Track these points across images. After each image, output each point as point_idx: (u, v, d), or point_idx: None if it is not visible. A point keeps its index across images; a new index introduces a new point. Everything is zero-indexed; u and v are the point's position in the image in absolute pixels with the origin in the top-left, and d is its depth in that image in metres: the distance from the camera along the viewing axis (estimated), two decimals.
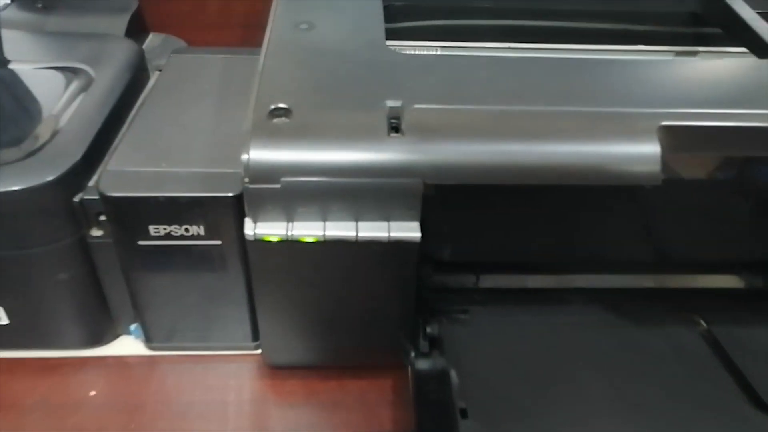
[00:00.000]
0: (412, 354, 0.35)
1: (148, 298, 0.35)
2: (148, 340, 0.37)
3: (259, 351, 0.37)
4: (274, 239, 0.29)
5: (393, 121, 0.28)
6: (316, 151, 0.27)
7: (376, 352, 0.35)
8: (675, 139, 0.29)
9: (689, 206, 0.39)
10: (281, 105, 0.29)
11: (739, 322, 0.37)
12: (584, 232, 0.39)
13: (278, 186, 0.27)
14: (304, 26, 0.35)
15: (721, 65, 0.33)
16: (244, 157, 0.27)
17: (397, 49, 0.34)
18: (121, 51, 0.40)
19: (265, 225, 0.29)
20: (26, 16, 0.45)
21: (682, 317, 0.38)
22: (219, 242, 0.32)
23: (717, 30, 0.40)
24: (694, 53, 0.39)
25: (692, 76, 0.32)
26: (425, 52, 0.34)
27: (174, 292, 0.34)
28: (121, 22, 0.44)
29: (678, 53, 0.40)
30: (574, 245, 0.39)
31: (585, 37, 0.40)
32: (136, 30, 0.45)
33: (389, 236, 0.28)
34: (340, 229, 0.29)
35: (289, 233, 0.28)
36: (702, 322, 0.37)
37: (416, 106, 0.29)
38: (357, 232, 0.28)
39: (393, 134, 0.28)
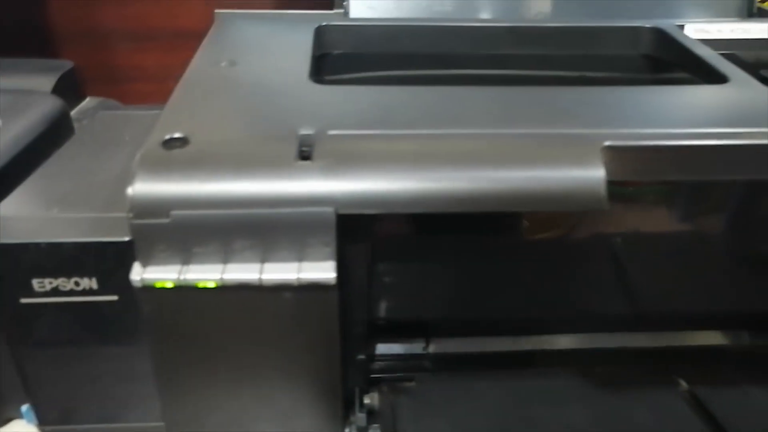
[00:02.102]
0: (347, 430, 0.30)
1: (38, 372, 0.30)
2: (42, 423, 0.32)
3: None
4: (167, 286, 0.25)
5: (304, 149, 0.25)
6: (211, 180, 0.24)
7: (303, 424, 0.30)
8: (620, 160, 0.26)
9: (665, 258, 0.35)
10: (177, 135, 0.26)
11: (723, 382, 0.32)
12: (551, 287, 0.35)
13: (167, 220, 0.24)
14: (224, 63, 0.32)
15: (673, 91, 0.31)
16: (129, 190, 0.24)
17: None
18: (39, 105, 0.38)
19: (156, 269, 0.25)
20: None
21: (662, 379, 0.33)
22: (115, 297, 0.28)
23: (672, 72, 0.38)
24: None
25: (640, 99, 0.29)
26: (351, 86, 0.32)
27: (68, 362, 0.30)
28: (50, 81, 0.42)
29: None
30: (539, 302, 0.35)
31: (534, 83, 0.39)
32: (69, 90, 0.43)
33: (299, 278, 0.24)
34: (242, 271, 0.25)
35: (182, 277, 0.24)
36: (684, 384, 0.33)
37: (330, 132, 0.26)
38: (261, 274, 0.24)
39: (301, 161, 0.25)
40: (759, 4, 0.43)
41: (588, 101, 0.29)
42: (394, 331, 0.35)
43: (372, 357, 0.34)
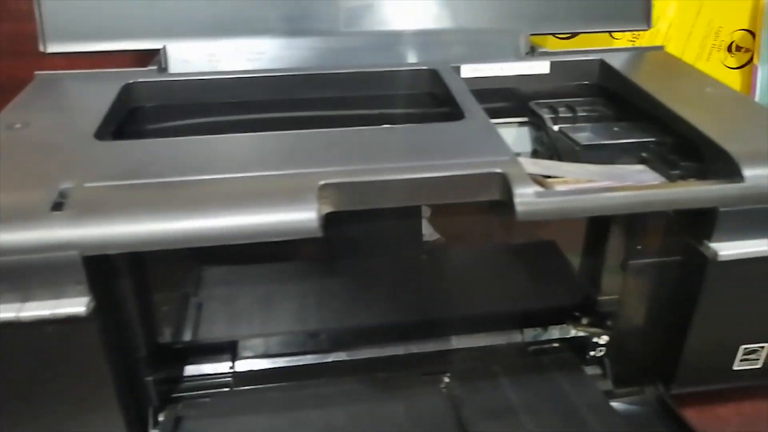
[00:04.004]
0: None
1: None
2: None
3: None
4: None
5: (59, 200, 0.29)
6: None
7: None
8: (333, 195, 0.30)
9: (443, 271, 0.40)
10: None
11: (485, 379, 0.37)
12: (336, 305, 0.40)
13: None
14: (18, 125, 0.36)
15: (412, 129, 0.36)
16: None
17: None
18: None
19: None
20: None
21: (427, 380, 0.38)
22: None
23: (440, 108, 0.43)
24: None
25: (375, 138, 0.34)
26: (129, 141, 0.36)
27: None
28: None
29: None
30: (326, 318, 0.40)
31: (332, 123, 0.43)
32: None
33: (53, 313, 0.28)
34: (3, 311, 0.28)
35: None
36: (446, 382, 0.38)
37: (87, 185, 0.30)
38: (19, 312, 0.28)
39: (54, 212, 0.29)
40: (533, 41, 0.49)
41: (325, 142, 0.34)
42: (200, 352, 0.39)
43: (172, 377, 0.37)
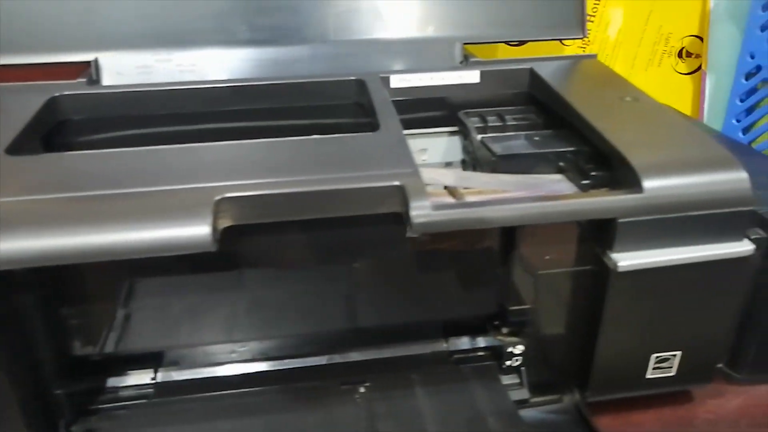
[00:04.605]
0: None
1: None
2: None
3: None
4: None
5: None
6: None
7: None
8: (231, 209, 0.31)
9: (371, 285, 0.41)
10: None
11: (394, 389, 0.37)
12: (259, 316, 0.40)
13: None
14: None
15: (324, 141, 0.36)
16: None
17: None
18: None
19: None
20: None
21: (344, 390, 0.38)
22: None
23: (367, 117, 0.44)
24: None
25: (271, 152, 0.34)
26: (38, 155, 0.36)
27: None
28: None
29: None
30: (246, 330, 0.40)
31: (256, 134, 0.44)
32: None
33: None
34: None
35: None
36: (361, 392, 0.38)
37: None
38: None
39: None
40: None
41: (231, 155, 0.34)
42: (121, 363, 0.39)
43: (89, 390, 0.37)
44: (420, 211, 0.30)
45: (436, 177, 0.36)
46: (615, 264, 0.32)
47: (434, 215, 0.30)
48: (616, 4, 0.66)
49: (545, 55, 0.49)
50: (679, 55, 0.68)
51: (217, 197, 0.30)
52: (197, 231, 0.29)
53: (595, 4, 0.65)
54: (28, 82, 0.44)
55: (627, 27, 0.67)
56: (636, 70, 0.69)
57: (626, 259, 0.32)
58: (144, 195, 0.31)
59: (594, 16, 0.66)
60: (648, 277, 0.33)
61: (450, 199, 0.36)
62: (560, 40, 0.50)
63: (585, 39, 0.66)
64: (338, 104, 0.45)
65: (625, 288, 0.33)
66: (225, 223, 0.31)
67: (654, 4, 0.65)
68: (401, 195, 0.31)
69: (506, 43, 0.65)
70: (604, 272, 0.33)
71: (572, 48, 0.66)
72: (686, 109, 0.70)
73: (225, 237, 0.31)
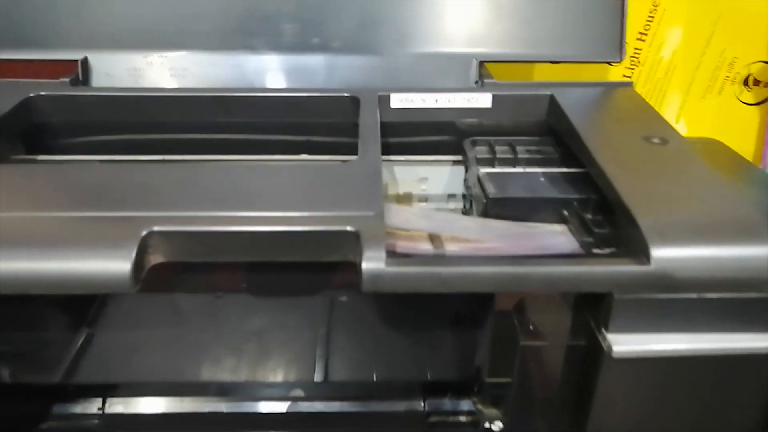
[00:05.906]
0: None
1: None
2: None
3: None
4: None
5: None
6: None
7: None
8: (161, 245, 0.27)
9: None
10: None
11: None
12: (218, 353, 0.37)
13: None
14: None
15: (281, 168, 0.32)
16: None
17: None
18: None
19: None
20: None
21: None
22: None
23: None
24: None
25: (227, 177, 0.31)
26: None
27: None
28: None
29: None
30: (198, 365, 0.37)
31: (236, 149, 0.40)
32: None
33: None
34: None
35: None
36: None
37: None
38: None
39: None
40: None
41: (182, 177, 0.30)
42: (67, 392, 0.36)
43: (30, 418, 0.35)
44: (371, 264, 0.26)
45: (409, 219, 0.31)
46: (609, 346, 0.27)
47: (386, 271, 0.26)
48: (672, 23, 0.59)
49: (573, 80, 0.43)
50: (745, 83, 0.60)
51: (146, 231, 0.27)
52: (116, 268, 0.26)
53: (648, 21, 0.58)
54: (8, 79, 0.42)
55: (684, 49, 0.59)
56: (692, 97, 0.61)
57: (623, 343, 0.27)
58: (69, 221, 0.27)
59: (646, 34, 0.59)
60: (649, 366, 0.27)
61: (427, 247, 0.31)
62: (592, 62, 0.44)
63: (635, 60, 0.60)
64: (329, 122, 0.41)
65: (620, 375, 0.27)
66: (157, 259, 0.27)
67: (717, 25, 0.58)
68: (356, 242, 0.27)
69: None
70: (598, 351, 0.28)
71: (619, 69, 0.60)
72: (749, 144, 0.62)
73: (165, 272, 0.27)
